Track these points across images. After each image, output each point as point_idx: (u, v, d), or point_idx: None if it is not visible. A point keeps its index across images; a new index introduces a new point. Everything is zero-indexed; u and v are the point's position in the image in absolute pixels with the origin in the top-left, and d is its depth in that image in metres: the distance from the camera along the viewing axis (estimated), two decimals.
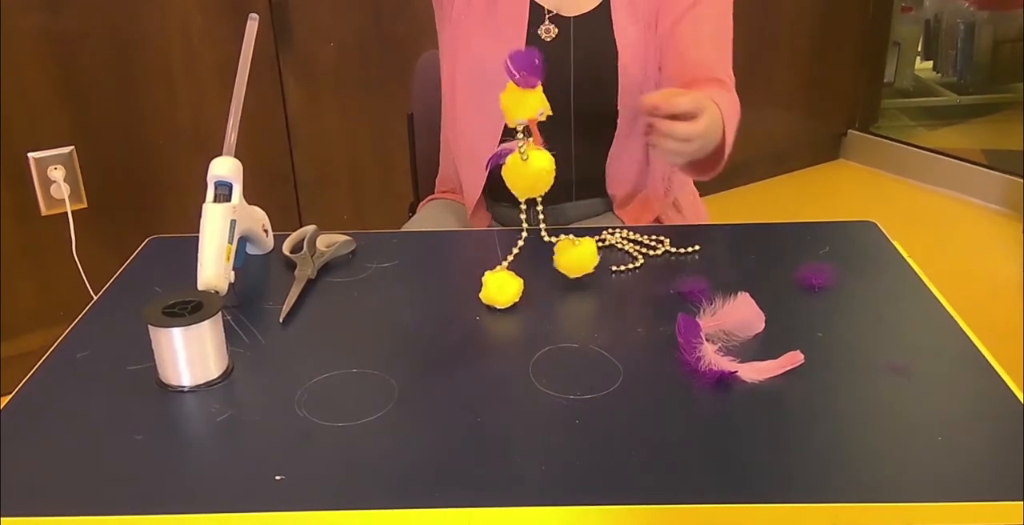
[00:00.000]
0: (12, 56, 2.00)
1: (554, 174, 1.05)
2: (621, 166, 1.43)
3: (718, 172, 1.25)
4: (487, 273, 1.08)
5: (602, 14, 1.37)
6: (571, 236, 1.14)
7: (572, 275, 1.13)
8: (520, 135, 1.03)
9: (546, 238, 1.13)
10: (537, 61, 0.99)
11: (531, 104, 1.01)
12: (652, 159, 1.42)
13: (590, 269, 1.13)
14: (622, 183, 1.44)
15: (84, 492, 0.81)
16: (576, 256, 1.12)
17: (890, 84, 3.62)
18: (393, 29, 2.41)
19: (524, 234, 1.11)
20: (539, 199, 1.09)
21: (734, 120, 1.25)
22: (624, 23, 1.36)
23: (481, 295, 1.08)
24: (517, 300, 1.08)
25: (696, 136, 1.08)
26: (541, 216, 1.11)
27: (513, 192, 1.07)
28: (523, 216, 1.12)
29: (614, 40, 1.36)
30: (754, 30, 3.06)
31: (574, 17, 1.37)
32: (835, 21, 3.25)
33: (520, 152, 1.03)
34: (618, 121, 1.39)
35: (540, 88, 1.01)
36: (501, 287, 1.07)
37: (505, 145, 1.05)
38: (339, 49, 2.38)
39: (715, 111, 1.13)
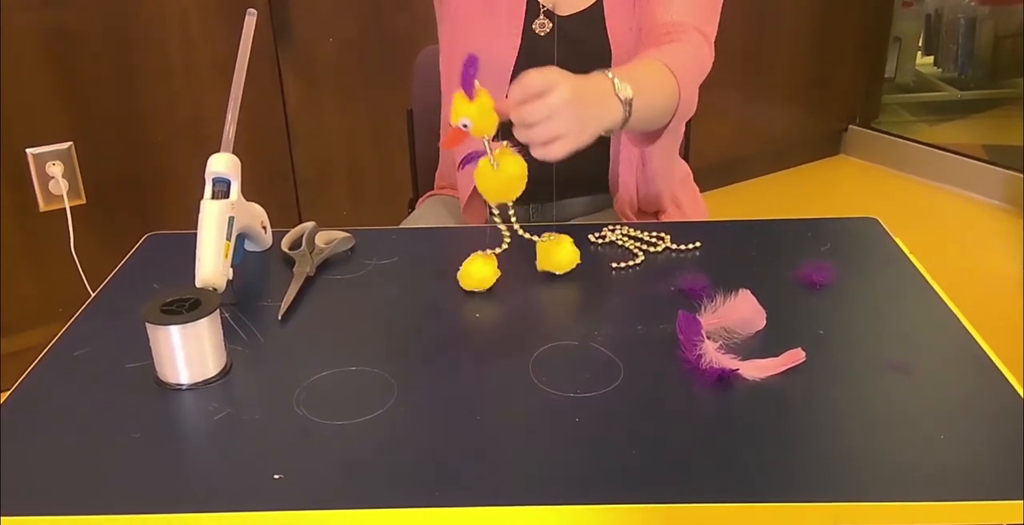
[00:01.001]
0: (11, 52, 1.99)
1: (526, 179, 1.01)
2: (619, 164, 1.42)
3: (675, 124, 1.19)
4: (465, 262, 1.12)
5: (595, 12, 1.36)
6: (551, 234, 1.13)
7: (560, 271, 1.13)
8: (486, 140, 0.99)
9: (526, 236, 1.12)
10: (472, 70, 0.95)
11: (457, 111, 0.97)
12: (648, 157, 1.42)
13: (573, 265, 1.13)
14: (623, 180, 1.44)
15: (82, 491, 0.81)
16: (560, 253, 1.12)
17: (891, 79, 3.61)
18: (393, 25, 2.40)
19: (507, 237, 1.12)
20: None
21: (689, 72, 1.16)
22: (617, 22, 1.36)
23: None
24: (494, 281, 1.11)
25: (541, 115, 0.93)
26: (513, 218, 1.10)
27: (484, 197, 1.04)
28: (496, 215, 1.09)
29: (607, 39, 1.36)
30: (754, 26, 3.05)
31: (567, 15, 1.36)
32: (836, 16, 3.25)
33: (490, 160, 0.99)
34: None
35: (480, 101, 0.96)
36: (468, 272, 1.10)
37: (480, 148, 1.01)
38: (338, 45, 2.37)
39: (581, 81, 1.00)
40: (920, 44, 3.72)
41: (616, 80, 1.04)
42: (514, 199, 1.03)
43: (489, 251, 1.12)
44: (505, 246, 1.12)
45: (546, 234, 1.13)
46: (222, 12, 2.18)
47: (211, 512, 0.78)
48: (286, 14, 2.27)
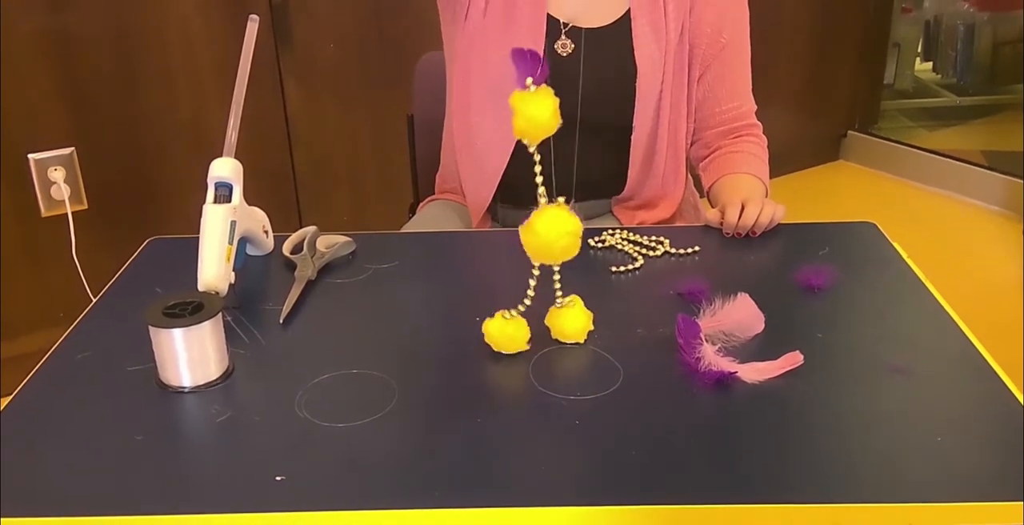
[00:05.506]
0: (12, 57, 2.00)
1: (578, 244, 0.93)
2: (638, 175, 1.43)
3: None
4: (489, 321, 1.00)
5: (621, 29, 1.36)
6: (567, 300, 1.02)
7: (568, 341, 1.02)
8: (542, 194, 0.92)
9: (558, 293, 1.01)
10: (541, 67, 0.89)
11: (544, 122, 0.90)
12: (667, 168, 1.44)
13: (582, 337, 1.02)
14: (640, 191, 1.45)
15: (84, 493, 0.81)
16: (570, 322, 1.01)
17: (890, 85, 3.62)
18: (393, 30, 2.41)
19: (530, 295, 0.99)
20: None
21: (767, 163, 1.45)
22: (644, 40, 1.36)
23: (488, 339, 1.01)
24: (527, 341, 1.00)
25: (753, 217, 1.25)
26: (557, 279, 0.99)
27: (530, 255, 0.94)
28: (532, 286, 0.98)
29: (633, 56, 1.36)
30: (753, 31, 3.05)
31: (592, 29, 1.37)
32: (835, 22, 3.26)
33: (539, 194, 0.92)
34: (633, 134, 1.39)
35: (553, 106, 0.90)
36: (510, 335, 0.99)
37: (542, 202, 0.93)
38: (339, 50, 2.38)
39: (755, 193, 1.38)
40: (919, 50, 3.73)
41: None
42: (562, 261, 0.95)
43: (512, 312, 0.99)
44: (528, 303, 0.99)
45: (560, 300, 1.01)
46: (223, 17, 2.19)
47: (213, 513, 0.79)
48: (287, 19, 2.28)
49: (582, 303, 1.03)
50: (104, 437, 0.88)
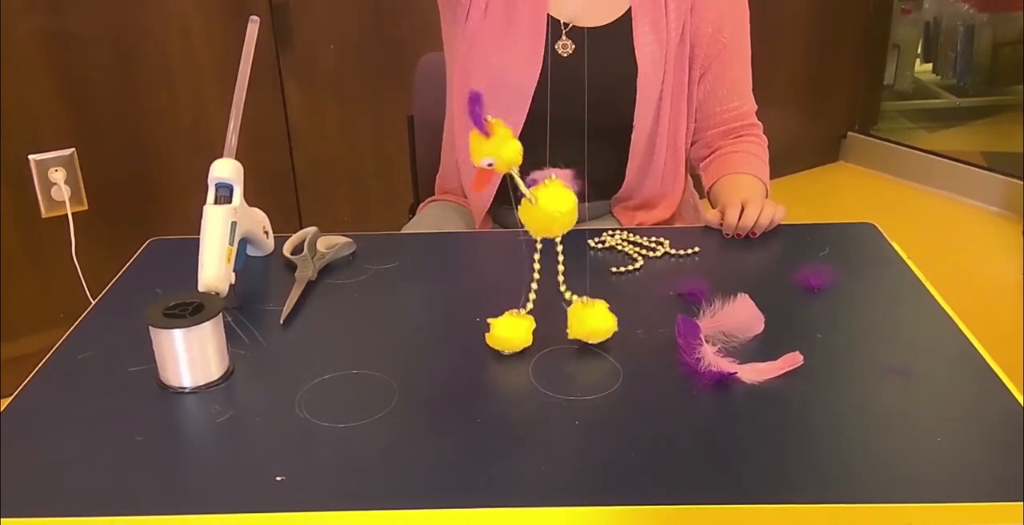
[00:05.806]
0: (13, 57, 2.00)
1: (575, 215, 0.94)
2: (636, 175, 1.43)
3: None
4: (495, 320, 1.01)
5: (622, 28, 1.37)
6: (585, 298, 1.01)
7: (593, 341, 1.01)
8: (516, 176, 0.92)
9: (563, 290, 1.01)
10: (479, 108, 0.89)
11: (477, 151, 0.91)
12: (666, 168, 1.44)
13: (609, 334, 1.01)
14: (639, 190, 1.45)
15: (84, 493, 0.81)
16: (595, 320, 1.00)
17: (890, 86, 3.62)
18: (393, 31, 2.41)
19: (534, 292, 1.01)
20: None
21: (767, 163, 1.45)
22: (645, 39, 1.36)
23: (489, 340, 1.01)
24: (529, 341, 1.01)
25: (754, 218, 1.26)
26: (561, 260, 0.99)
27: (529, 230, 0.96)
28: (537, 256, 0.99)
29: (633, 55, 1.36)
30: (753, 32, 3.05)
31: (592, 29, 1.37)
32: (835, 23, 3.26)
33: (528, 197, 0.92)
34: (633, 134, 1.39)
35: (497, 135, 0.90)
36: (518, 334, 1.00)
37: (537, 173, 0.94)
38: (339, 51, 2.38)
39: (755, 193, 1.38)
40: (919, 51, 3.74)
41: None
42: (560, 234, 0.96)
43: (521, 310, 1.00)
44: (531, 305, 1.01)
45: (580, 298, 1.01)
46: (223, 18, 2.19)
47: (213, 513, 0.79)
48: (287, 20, 2.28)
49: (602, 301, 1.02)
50: (104, 437, 0.88)
